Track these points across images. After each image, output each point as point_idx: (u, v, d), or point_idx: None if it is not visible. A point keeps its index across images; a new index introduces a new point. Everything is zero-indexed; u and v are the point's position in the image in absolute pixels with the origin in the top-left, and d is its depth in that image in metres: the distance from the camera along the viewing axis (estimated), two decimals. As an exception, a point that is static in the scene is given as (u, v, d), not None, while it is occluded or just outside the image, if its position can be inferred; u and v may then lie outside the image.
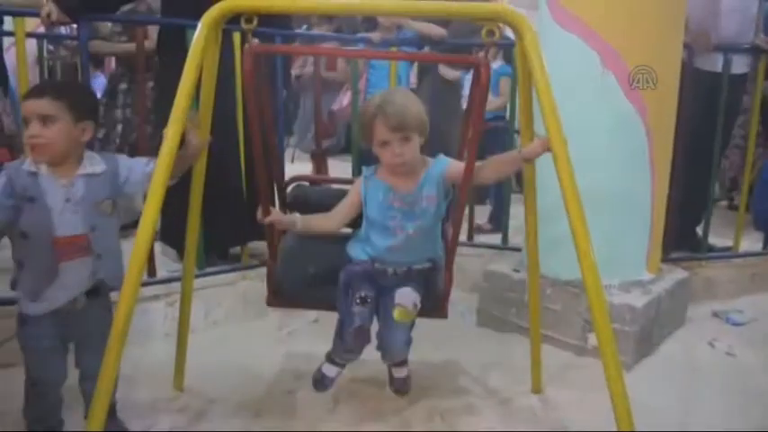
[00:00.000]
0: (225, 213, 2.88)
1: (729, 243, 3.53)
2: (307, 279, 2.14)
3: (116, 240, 1.86)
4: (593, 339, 2.59)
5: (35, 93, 1.74)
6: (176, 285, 2.42)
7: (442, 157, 1.97)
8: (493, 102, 4.08)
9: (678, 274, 2.98)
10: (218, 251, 3.09)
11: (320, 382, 2.15)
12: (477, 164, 1.87)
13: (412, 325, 2.03)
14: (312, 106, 4.32)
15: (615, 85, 2.56)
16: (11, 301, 2.46)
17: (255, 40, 1.76)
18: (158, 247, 3.02)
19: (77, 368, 1.90)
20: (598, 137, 2.59)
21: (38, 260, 1.73)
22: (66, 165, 1.75)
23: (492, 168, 1.90)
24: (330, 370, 2.14)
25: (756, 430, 2.17)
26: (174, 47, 2.74)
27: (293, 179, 2.38)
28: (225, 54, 1.96)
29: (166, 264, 3.02)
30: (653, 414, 2.14)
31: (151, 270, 2.78)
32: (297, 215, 2.06)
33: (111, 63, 4.72)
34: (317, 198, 2.18)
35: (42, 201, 1.69)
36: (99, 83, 5.33)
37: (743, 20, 3.39)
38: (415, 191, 1.93)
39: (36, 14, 2.53)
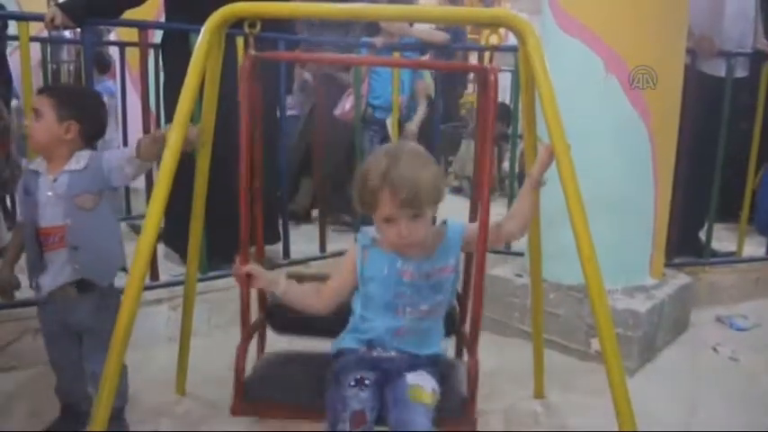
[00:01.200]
0: (228, 217, 2.87)
1: (733, 248, 3.52)
2: (286, 380, 1.76)
3: (98, 235, 1.89)
4: (596, 344, 2.59)
5: (42, 89, 1.96)
6: (179, 289, 2.42)
7: (452, 222, 1.68)
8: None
9: (681, 279, 2.98)
10: (221, 255, 3.08)
11: None
12: (496, 222, 1.66)
13: (434, 411, 1.52)
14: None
15: (618, 90, 2.56)
16: (11, 305, 2.49)
17: (251, 51, 1.74)
18: (161, 250, 3.03)
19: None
20: (601, 141, 2.59)
21: (30, 249, 1.89)
22: (55, 161, 1.88)
23: (515, 219, 1.69)
24: None
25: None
26: (177, 51, 2.75)
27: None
28: (228, 59, 1.96)
29: (169, 267, 3.02)
30: (656, 419, 2.13)
31: (154, 274, 2.78)
32: (282, 276, 1.70)
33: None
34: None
35: (34, 194, 1.86)
36: (105, 87, 5.35)
37: (745, 23, 3.40)
38: (432, 260, 1.61)
39: (40, 19, 2.54)
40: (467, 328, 1.81)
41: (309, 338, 1.94)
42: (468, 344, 1.72)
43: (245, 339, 1.82)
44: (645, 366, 2.61)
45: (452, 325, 1.85)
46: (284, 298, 1.67)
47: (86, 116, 1.91)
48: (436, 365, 1.64)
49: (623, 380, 1.61)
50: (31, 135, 1.89)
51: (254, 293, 1.85)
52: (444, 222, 1.67)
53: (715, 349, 2.83)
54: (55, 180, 1.86)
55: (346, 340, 1.66)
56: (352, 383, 1.52)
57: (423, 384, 1.53)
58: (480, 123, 1.78)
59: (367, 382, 1.53)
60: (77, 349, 1.94)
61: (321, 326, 1.75)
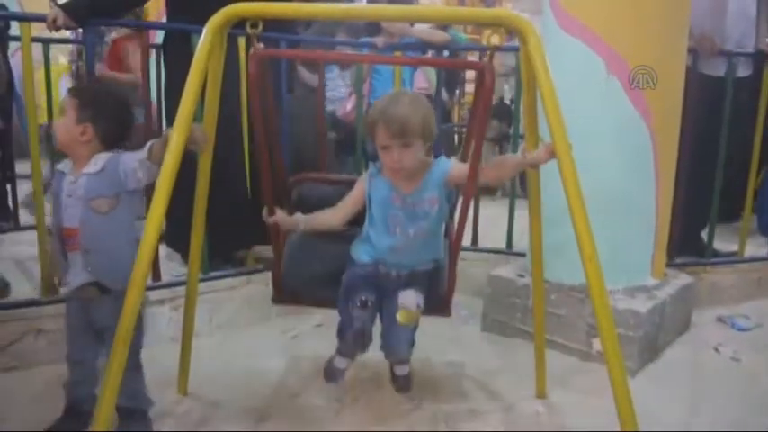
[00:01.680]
0: (229, 217, 2.88)
1: (734, 248, 3.52)
2: (311, 277, 2.17)
3: (112, 239, 1.89)
4: (597, 344, 2.59)
5: (70, 88, 2.07)
6: (181, 289, 2.43)
7: (443, 159, 1.97)
8: None
9: (683, 279, 2.98)
10: (223, 255, 3.09)
11: (332, 374, 2.15)
12: (480, 165, 1.87)
13: (416, 326, 2.03)
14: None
15: (619, 90, 2.56)
16: (14, 306, 2.49)
17: (261, 45, 1.77)
18: (163, 251, 3.03)
19: None
20: (602, 141, 2.59)
21: (56, 247, 1.95)
22: (78, 163, 1.90)
23: (494, 169, 1.90)
24: (340, 362, 2.13)
25: (762, 435, 2.17)
26: (179, 52, 2.75)
27: (297, 179, 2.38)
28: (229, 59, 1.96)
29: (171, 268, 3.02)
30: (657, 419, 2.13)
31: (156, 274, 2.78)
32: (300, 215, 2.07)
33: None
34: (321, 196, 2.18)
35: (59, 195, 1.90)
36: None
37: (746, 23, 3.40)
38: (416, 192, 1.94)
39: (42, 19, 2.54)
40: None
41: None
42: (451, 258, 2.08)
43: (277, 255, 2.17)
44: (646, 366, 2.61)
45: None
46: (308, 228, 2.07)
47: (103, 119, 1.90)
48: (426, 277, 2.04)
49: (624, 380, 1.61)
50: (54, 132, 1.94)
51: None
52: (435, 158, 1.97)
53: (716, 349, 2.83)
54: (74, 182, 1.88)
55: (359, 251, 2.06)
56: (358, 304, 1.95)
57: (409, 305, 1.94)
58: (476, 107, 2.04)
59: (369, 303, 1.96)
60: (95, 349, 1.96)
61: (326, 295, 2.10)
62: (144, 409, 2.01)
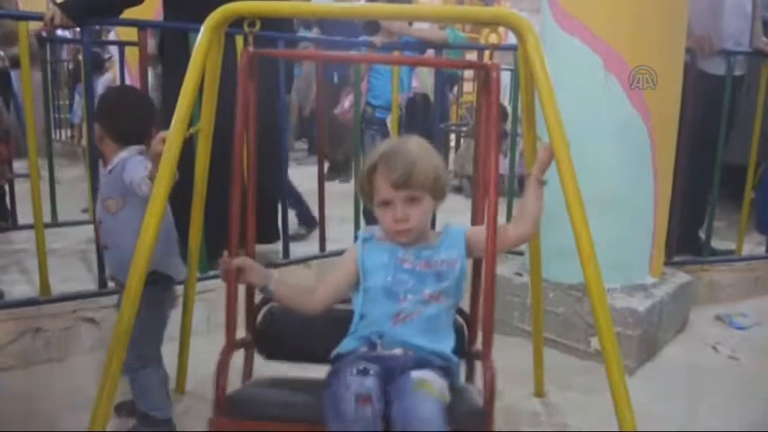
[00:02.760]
0: (227, 216, 2.87)
1: (732, 246, 3.52)
2: (276, 394, 1.61)
3: (122, 238, 1.89)
4: (595, 343, 2.59)
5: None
6: (179, 289, 2.42)
7: (453, 225, 1.64)
8: None
9: (681, 277, 2.98)
10: (221, 255, 3.08)
11: None
12: (501, 225, 1.58)
13: (443, 406, 1.33)
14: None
15: (618, 89, 2.56)
16: (12, 305, 2.49)
17: (250, 48, 1.72)
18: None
19: None
20: (601, 140, 2.59)
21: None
22: (106, 163, 2.00)
23: (523, 220, 1.60)
24: None
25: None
26: (176, 51, 2.75)
27: (266, 299, 1.74)
28: (227, 58, 1.96)
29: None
30: (656, 418, 2.13)
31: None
32: (272, 271, 1.62)
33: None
34: (300, 323, 1.69)
35: None
36: (109, 79, 5.38)
37: (744, 21, 3.40)
38: (431, 250, 1.55)
39: (39, 18, 2.54)
40: (476, 346, 1.68)
41: (303, 365, 1.77)
42: (481, 355, 1.58)
43: (229, 349, 1.62)
44: (644, 365, 2.61)
45: (461, 344, 1.66)
46: (277, 293, 1.58)
47: (110, 119, 1.95)
48: (447, 371, 1.47)
49: (623, 378, 1.61)
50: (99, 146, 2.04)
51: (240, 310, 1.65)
52: (445, 227, 1.63)
53: (715, 348, 2.83)
54: (101, 181, 2.02)
55: (345, 344, 1.53)
56: (354, 372, 1.36)
57: (430, 380, 1.37)
58: (484, 121, 1.71)
59: (371, 372, 1.37)
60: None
61: (316, 351, 1.62)
62: (156, 417, 2.00)
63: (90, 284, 2.72)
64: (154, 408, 1.99)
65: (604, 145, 2.60)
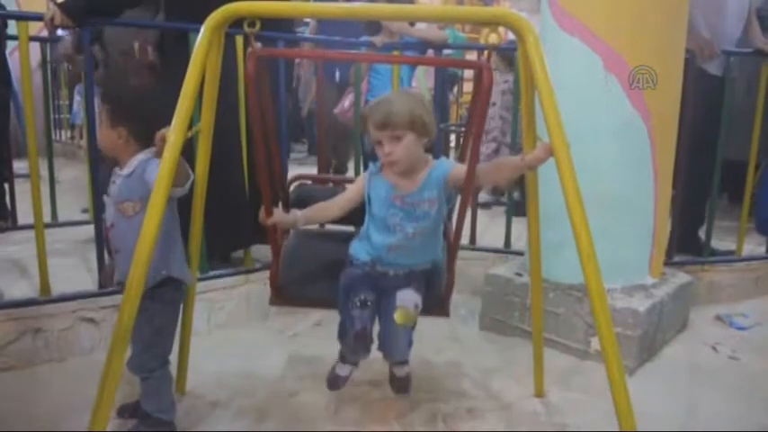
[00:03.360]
0: (227, 217, 2.88)
1: (732, 247, 3.52)
2: (309, 278, 2.16)
3: (137, 243, 1.84)
4: (595, 343, 2.59)
5: (102, 95, 2.05)
6: (179, 289, 2.43)
7: (444, 159, 1.96)
8: None
9: (681, 278, 2.98)
10: (221, 255, 3.09)
11: (334, 382, 2.14)
12: (478, 167, 1.83)
13: (413, 326, 2.00)
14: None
15: (618, 89, 2.56)
16: (12, 305, 2.49)
17: (258, 44, 1.76)
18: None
19: None
20: (601, 140, 2.59)
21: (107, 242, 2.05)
22: (122, 164, 1.96)
23: (492, 172, 1.87)
24: (343, 369, 2.13)
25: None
26: (176, 51, 2.75)
27: (296, 178, 2.35)
28: (227, 58, 1.96)
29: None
30: (656, 418, 2.13)
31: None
32: (297, 212, 2.04)
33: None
34: (320, 198, 2.14)
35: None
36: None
37: (742, 21, 3.41)
38: (416, 192, 1.91)
39: (40, 18, 2.54)
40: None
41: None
42: (449, 258, 2.08)
43: (275, 255, 2.12)
44: (645, 365, 2.61)
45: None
46: (306, 223, 2.03)
47: (135, 119, 1.92)
48: (425, 277, 2.01)
49: (623, 379, 1.61)
50: (104, 148, 2.00)
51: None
52: (435, 159, 1.94)
53: (715, 348, 2.83)
54: (114, 183, 1.94)
55: (357, 249, 2.02)
56: (358, 304, 1.92)
57: (407, 305, 1.90)
58: (473, 118, 1.98)
59: (369, 303, 1.93)
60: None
61: (324, 295, 2.08)
62: (161, 419, 1.99)
63: (90, 284, 2.71)
64: (160, 409, 1.99)
65: (604, 145, 2.60)
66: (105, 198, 1.98)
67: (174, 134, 1.66)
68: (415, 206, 1.91)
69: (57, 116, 6.93)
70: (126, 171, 1.92)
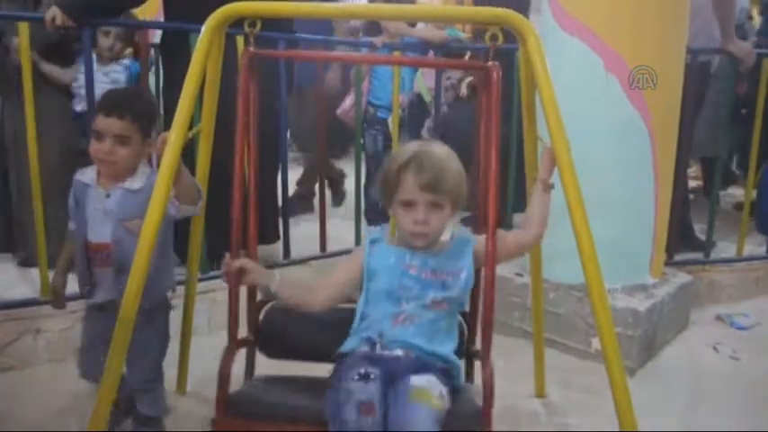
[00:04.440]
0: (228, 217, 2.87)
1: (733, 247, 3.52)
2: (280, 395, 1.62)
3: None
4: (596, 343, 2.59)
5: (115, 112, 1.76)
6: (180, 289, 2.42)
7: (461, 233, 1.66)
8: None
9: (682, 277, 2.98)
10: (222, 255, 3.08)
11: None
12: (504, 233, 1.62)
13: (438, 416, 1.38)
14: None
15: (618, 89, 2.56)
16: (12, 305, 2.49)
17: (251, 48, 1.74)
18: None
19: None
20: (601, 140, 2.59)
21: (79, 260, 1.84)
22: (113, 177, 1.81)
23: (530, 225, 1.66)
24: None
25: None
26: (177, 51, 2.75)
27: (263, 303, 1.80)
28: (228, 58, 1.96)
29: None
30: (656, 418, 2.13)
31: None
32: (275, 272, 1.62)
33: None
34: (301, 322, 1.72)
35: (83, 207, 1.81)
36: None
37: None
38: (439, 258, 1.57)
39: (40, 18, 2.53)
40: (475, 346, 1.74)
41: (304, 363, 1.78)
42: (480, 354, 1.63)
43: (232, 348, 1.65)
44: (645, 365, 2.61)
45: (461, 345, 1.68)
46: (279, 294, 1.58)
47: (152, 127, 1.84)
48: (447, 374, 1.52)
49: (623, 379, 1.61)
50: (114, 161, 1.77)
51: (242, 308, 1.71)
52: (454, 234, 1.64)
53: (715, 348, 2.83)
54: (108, 195, 1.79)
55: (346, 343, 1.57)
56: (356, 378, 1.40)
57: (428, 387, 1.40)
58: (484, 124, 1.73)
59: (372, 376, 1.40)
60: (100, 362, 1.74)
61: (318, 350, 1.65)
62: (160, 417, 1.99)
63: (90, 285, 2.71)
64: (159, 411, 1.98)
65: (605, 145, 2.60)
66: (93, 212, 1.80)
67: (174, 135, 1.66)
68: (437, 274, 1.56)
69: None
70: (133, 185, 1.80)
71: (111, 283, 1.80)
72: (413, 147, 1.56)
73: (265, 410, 1.53)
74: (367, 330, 1.54)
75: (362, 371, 1.41)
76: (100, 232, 1.79)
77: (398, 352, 1.50)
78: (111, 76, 3.49)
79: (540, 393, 2.34)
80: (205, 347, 2.49)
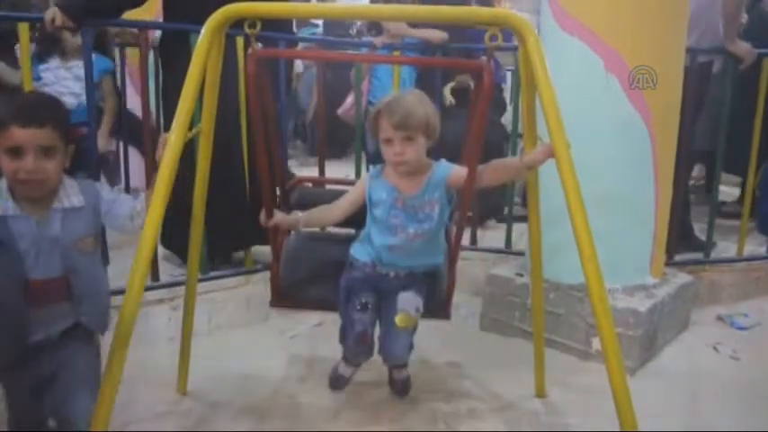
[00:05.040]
0: (228, 218, 2.88)
1: (733, 247, 3.52)
2: (310, 280, 2.18)
3: (100, 279, 1.69)
4: (596, 343, 2.59)
5: (35, 120, 1.49)
6: (180, 289, 2.43)
7: (444, 162, 1.97)
8: None
9: (682, 278, 2.97)
10: (222, 256, 3.09)
11: (336, 382, 2.20)
12: (478, 169, 1.87)
13: (414, 329, 2.03)
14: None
15: (618, 89, 2.56)
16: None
17: (259, 45, 1.77)
18: (161, 251, 3.03)
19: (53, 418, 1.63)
20: (601, 140, 2.59)
21: (10, 310, 1.49)
22: (41, 201, 1.56)
23: (491, 173, 1.89)
24: (345, 369, 2.17)
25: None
26: (176, 52, 2.75)
27: (297, 181, 2.41)
28: (227, 58, 1.96)
29: (169, 268, 3.02)
30: (657, 418, 2.13)
31: (155, 274, 2.78)
32: (298, 213, 2.06)
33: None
34: (321, 200, 2.17)
35: (12, 244, 1.50)
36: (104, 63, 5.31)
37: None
38: (418, 194, 1.94)
39: (39, 19, 2.53)
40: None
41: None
42: (450, 260, 2.12)
43: (276, 258, 2.18)
44: (646, 365, 2.61)
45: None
46: (307, 226, 2.07)
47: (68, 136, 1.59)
48: (425, 279, 2.03)
49: (624, 379, 1.61)
50: (44, 179, 1.51)
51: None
52: (436, 161, 1.95)
53: (716, 348, 2.83)
54: (46, 222, 1.55)
55: (358, 250, 2.04)
56: (359, 307, 1.98)
57: (407, 308, 1.92)
58: (472, 105, 2.06)
59: (369, 305, 1.99)
60: (41, 406, 1.61)
61: (325, 297, 2.12)
62: None
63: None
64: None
65: (605, 145, 2.60)
66: (30, 246, 1.52)
67: (174, 136, 1.66)
68: (417, 209, 1.94)
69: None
70: (73, 202, 1.58)
71: (63, 317, 1.58)
72: (388, 96, 1.92)
73: (303, 300, 2.21)
74: (371, 250, 2.00)
75: (363, 300, 1.98)
76: (47, 266, 1.53)
77: (391, 272, 2.01)
78: (73, 72, 3.47)
79: (541, 393, 2.34)
80: (205, 348, 2.50)
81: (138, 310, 1.63)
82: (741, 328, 3.05)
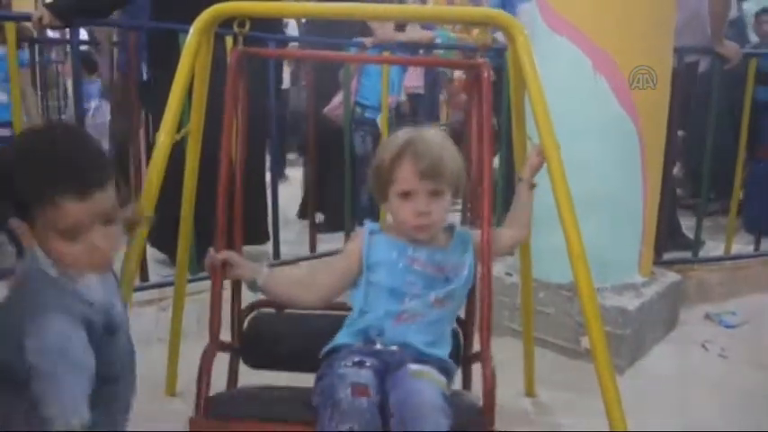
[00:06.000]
0: (217, 218, 2.87)
1: (721, 245, 3.54)
2: (265, 397, 1.55)
3: None
4: (585, 342, 2.59)
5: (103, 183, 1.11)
6: (169, 290, 2.41)
7: (458, 227, 1.62)
8: None
9: (670, 276, 2.99)
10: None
11: None
12: (497, 230, 1.60)
13: (444, 397, 1.29)
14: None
15: (607, 89, 2.57)
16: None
17: (239, 47, 1.73)
18: (150, 252, 3.01)
19: None
20: (590, 140, 2.59)
21: None
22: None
23: (515, 226, 1.65)
24: None
25: (750, 431, 2.18)
26: (165, 52, 2.74)
27: (253, 306, 1.78)
28: (217, 58, 1.95)
29: (158, 268, 3.01)
30: (646, 417, 2.14)
31: (143, 275, 2.77)
32: (263, 267, 1.54)
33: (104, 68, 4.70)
34: (288, 331, 1.68)
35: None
36: (95, 89, 5.30)
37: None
38: (444, 251, 1.50)
39: (28, 18, 2.52)
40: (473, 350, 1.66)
41: (291, 374, 1.73)
42: (480, 356, 1.49)
43: (213, 347, 1.56)
44: (634, 364, 2.62)
45: (457, 351, 1.59)
46: (267, 288, 1.49)
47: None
48: (445, 373, 1.42)
49: (613, 378, 1.62)
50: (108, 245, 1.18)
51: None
52: (451, 225, 1.58)
53: (704, 346, 2.84)
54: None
55: (340, 337, 1.46)
56: (350, 364, 1.32)
57: (429, 371, 1.34)
58: (476, 122, 1.70)
59: (367, 364, 1.32)
60: None
61: (306, 359, 1.53)
62: None
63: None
64: None
65: (593, 145, 2.60)
66: None
67: (162, 136, 1.66)
68: (443, 270, 1.48)
69: (46, 117, 6.88)
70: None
71: None
72: (405, 134, 1.45)
73: (245, 410, 1.43)
74: (365, 325, 1.44)
75: (357, 359, 1.34)
76: None
77: (395, 347, 1.40)
78: None
79: (530, 392, 2.35)
80: (194, 349, 2.47)
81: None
82: (729, 327, 3.07)
